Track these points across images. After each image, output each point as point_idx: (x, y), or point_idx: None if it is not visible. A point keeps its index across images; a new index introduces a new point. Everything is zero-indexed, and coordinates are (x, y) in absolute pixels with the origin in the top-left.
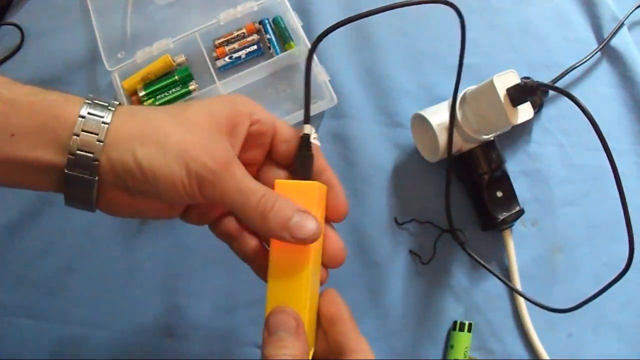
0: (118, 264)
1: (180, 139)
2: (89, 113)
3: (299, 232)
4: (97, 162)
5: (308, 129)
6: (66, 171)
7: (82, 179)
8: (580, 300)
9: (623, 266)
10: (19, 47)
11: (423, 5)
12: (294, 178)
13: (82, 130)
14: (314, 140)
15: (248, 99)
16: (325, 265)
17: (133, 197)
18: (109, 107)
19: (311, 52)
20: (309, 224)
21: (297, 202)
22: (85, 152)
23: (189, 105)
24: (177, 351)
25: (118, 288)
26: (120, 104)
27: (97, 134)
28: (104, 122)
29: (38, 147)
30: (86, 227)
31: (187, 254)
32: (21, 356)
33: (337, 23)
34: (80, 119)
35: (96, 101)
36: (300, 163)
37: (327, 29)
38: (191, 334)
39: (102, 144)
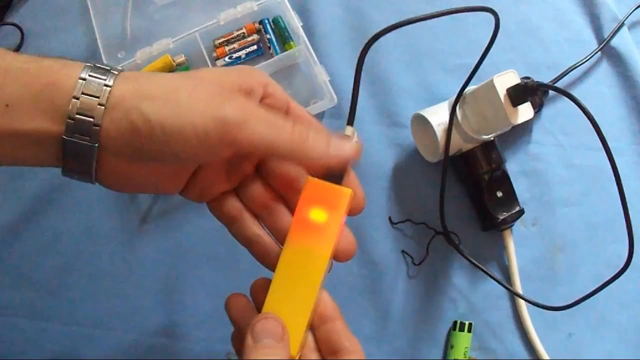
0: (118, 264)
1: (191, 89)
2: (89, 75)
3: (341, 151)
4: (97, 128)
5: (350, 130)
6: (64, 137)
7: (81, 146)
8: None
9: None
10: (19, 47)
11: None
12: (325, 178)
13: (83, 93)
14: (356, 141)
15: (262, 71)
16: (336, 258)
17: (136, 165)
18: (112, 71)
19: (362, 55)
20: (346, 143)
21: (326, 204)
22: (86, 116)
23: (200, 69)
24: (177, 351)
25: (118, 288)
26: (123, 70)
27: (98, 97)
28: (106, 85)
29: (35, 116)
30: (86, 226)
31: (187, 253)
32: (21, 356)
33: (387, 27)
34: (81, 81)
35: (98, 65)
36: None
37: (381, 31)
38: (191, 334)
39: (103, 107)
